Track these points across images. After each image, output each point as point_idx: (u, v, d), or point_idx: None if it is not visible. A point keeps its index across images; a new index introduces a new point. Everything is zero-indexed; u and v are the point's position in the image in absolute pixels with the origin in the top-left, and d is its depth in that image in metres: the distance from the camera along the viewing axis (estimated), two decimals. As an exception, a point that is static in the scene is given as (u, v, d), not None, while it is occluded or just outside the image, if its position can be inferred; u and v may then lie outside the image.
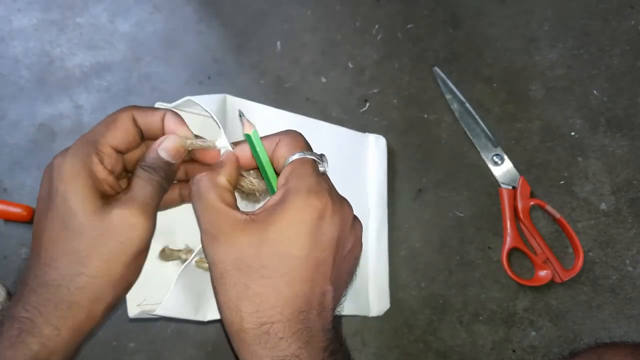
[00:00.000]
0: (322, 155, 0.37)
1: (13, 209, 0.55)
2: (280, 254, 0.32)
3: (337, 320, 0.36)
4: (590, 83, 0.61)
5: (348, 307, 0.51)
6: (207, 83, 0.61)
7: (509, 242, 0.56)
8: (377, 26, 0.62)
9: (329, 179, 0.37)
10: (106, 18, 0.62)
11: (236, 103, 0.45)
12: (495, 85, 0.61)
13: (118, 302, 0.37)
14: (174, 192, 0.42)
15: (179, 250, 0.44)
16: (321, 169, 0.36)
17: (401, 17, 0.63)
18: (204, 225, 0.35)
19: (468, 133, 0.59)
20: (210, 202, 0.34)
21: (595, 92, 0.60)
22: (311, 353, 0.32)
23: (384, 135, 0.58)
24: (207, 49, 0.62)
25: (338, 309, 0.36)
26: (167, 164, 0.38)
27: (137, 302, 0.41)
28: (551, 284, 0.55)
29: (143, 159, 0.38)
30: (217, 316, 0.43)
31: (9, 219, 0.56)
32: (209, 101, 0.41)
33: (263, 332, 0.32)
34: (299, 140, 0.37)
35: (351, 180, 0.42)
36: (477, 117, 0.59)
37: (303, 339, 0.32)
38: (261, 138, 0.37)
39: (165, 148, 0.37)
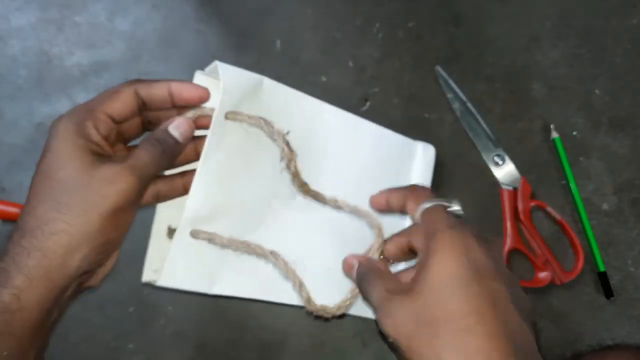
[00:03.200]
0: (451, 199, 0.37)
1: (11, 209, 0.55)
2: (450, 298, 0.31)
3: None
4: (592, 82, 0.60)
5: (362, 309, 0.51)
6: (207, 82, 0.60)
7: (508, 243, 0.55)
8: (377, 25, 0.62)
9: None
10: (105, 17, 0.62)
11: (280, 90, 0.44)
12: (496, 84, 0.60)
13: (96, 260, 0.37)
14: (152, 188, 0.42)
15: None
16: (457, 212, 0.37)
17: (402, 16, 0.62)
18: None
19: (469, 133, 0.58)
20: (376, 293, 0.36)
21: (597, 91, 0.60)
22: None
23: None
24: (206, 48, 0.61)
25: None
26: (175, 141, 0.39)
27: (155, 267, 0.41)
28: (553, 284, 0.55)
29: (152, 133, 0.39)
30: (224, 292, 0.43)
31: (8, 219, 0.55)
32: (238, 75, 0.41)
33: None
34: (424, 192, 0.40)
35: (390, 184, 0.43)
36: (478, 116, 0.58)
37: None
38: (389, 192, 0.42)
39: (176, 126, 0.39)
